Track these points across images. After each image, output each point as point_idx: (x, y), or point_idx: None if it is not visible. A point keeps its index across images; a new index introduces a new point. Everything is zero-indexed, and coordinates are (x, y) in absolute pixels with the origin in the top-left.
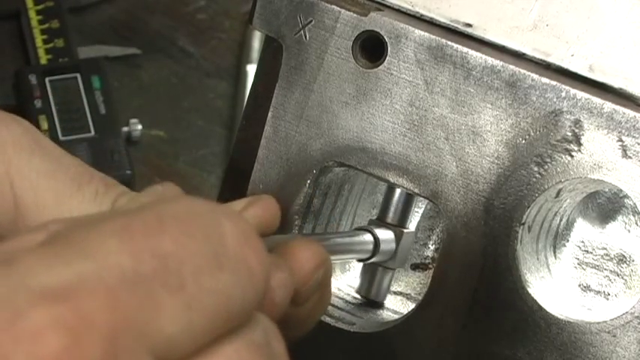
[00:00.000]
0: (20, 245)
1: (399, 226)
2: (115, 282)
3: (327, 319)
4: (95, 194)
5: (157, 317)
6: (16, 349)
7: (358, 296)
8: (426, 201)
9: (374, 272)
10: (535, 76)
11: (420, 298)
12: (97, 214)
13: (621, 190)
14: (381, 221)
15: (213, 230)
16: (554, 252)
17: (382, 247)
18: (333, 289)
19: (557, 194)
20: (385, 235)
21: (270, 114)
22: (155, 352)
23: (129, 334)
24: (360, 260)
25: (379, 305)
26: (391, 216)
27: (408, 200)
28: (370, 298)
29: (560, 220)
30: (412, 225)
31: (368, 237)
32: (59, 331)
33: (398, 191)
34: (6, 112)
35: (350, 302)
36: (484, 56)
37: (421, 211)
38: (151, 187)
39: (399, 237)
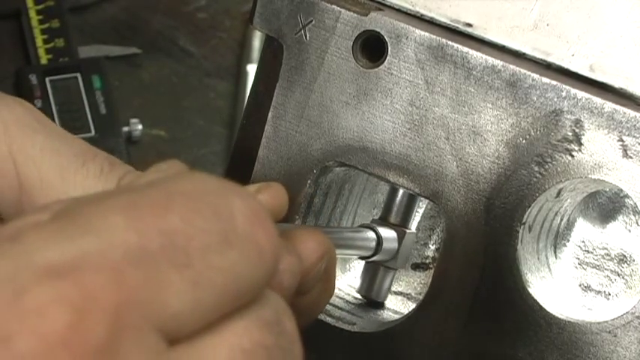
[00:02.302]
0: (27, 221)
1: (401, 226)
2: (120, 258)
3: (328, 319)
4: (100, 171)
5: (163, 294)
6: (19, 325)
7: (359, 296)
8: (427, 201)
9: (375, 272)
10: (536, 76)
11: (421, 298)
12: (103, 191)
13: (622, 190)
14: (383, 221)
15: (222, 208)
16: (555, 252)
17: (385, 245)
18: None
19: (558, 194)
20: (388, 233)
21: (270, 114)
22: (161, 328)
23: (134, 311)
24: (362, 258)
25: (380, 305)
26: (394, 216)
27: (411, 201)
28: (371, 298)
29: (561, 219)
30: (413, 224)
31: (371, 234)
32: (63, 307)
33: (401, 191)
34: (7, 94)
35: (350, 302)
36: (484, 56)
37: (422, 210)
38: (156, 165)
39: (401, 237)
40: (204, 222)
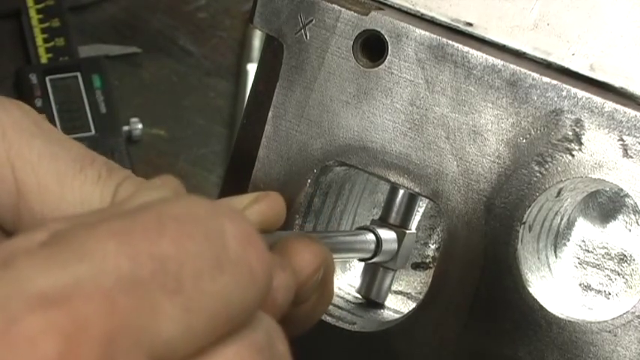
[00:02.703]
0: (19, 245)
1: (401, 226)
2: (111, 285)
3: (328, 319)
4: (98, 177)
5: (155, 321)
6: (10, 354)
7: (359, 296)
8: (427, 200)
9: (375, 272)
10: (536, 76)
11: (421, 297)
12: (98, 212)
13: (622, 190)
14: (383, 221)
15: (213, 231)
16: (555, 251)
17: (384, 247)
18: (334, 288)
19: (558, 193)
20: (387, 235)
21: (270, 113)
22: (153, 354)
23: (126, 338)
24: (361, 260)
25: (380, 305)
26: (393, 216)
27: (411, 201)
28: (370, 299)
29: (561, 219)
30: (413, 225)
31: (370, 236)
32: (54, 336)
33: (401, 192)
34: (5, 97)
35: (350, 302)
36: (485, 55)
37: (422, 210)
38: (150, 180)
39: (400, 238)
40: (196, 246)
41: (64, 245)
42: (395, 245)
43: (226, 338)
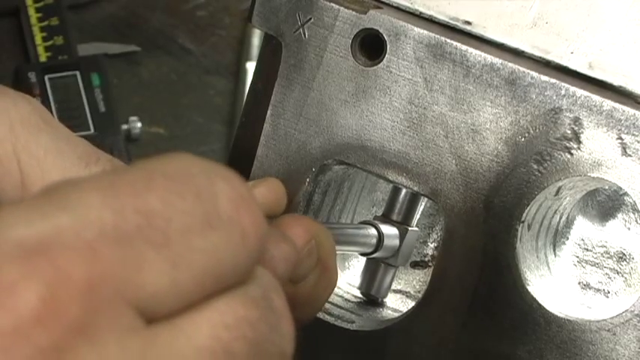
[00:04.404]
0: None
1: (403, 223)
2: (94, 236)
3: (327, 318)
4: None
5: (139, 273)
6: None
7: (358, 294)
8: (426, 199)
9: (376, 269)
10: (534, 74)
11: (420, 296)
12: (92, 174)
13: (621, 188)
14: (386, 218)
15: (205, 190)
16: (554, 250)
17: (386, 242)
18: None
19: (557, 192)
20: (389, 230)
21: (269, 112)
22: (139, 307)
23: (108, 288)
24: (362, 254)
25: (379, 303)
26: (396, 213)
27: (414, 199)
28: (371, 295)
29: (560, 217)
30: (414, 223)
31: (372, 231)
32: (35, 284)
33: (404, 189)
34: (14, 90)
35: (349, 300)
36: (483, 54)
37: (421, 208)
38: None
39: (403, 234)
40: (185, 203)
41: (47, 197)
42: (397, 241)
43: (219, 294)
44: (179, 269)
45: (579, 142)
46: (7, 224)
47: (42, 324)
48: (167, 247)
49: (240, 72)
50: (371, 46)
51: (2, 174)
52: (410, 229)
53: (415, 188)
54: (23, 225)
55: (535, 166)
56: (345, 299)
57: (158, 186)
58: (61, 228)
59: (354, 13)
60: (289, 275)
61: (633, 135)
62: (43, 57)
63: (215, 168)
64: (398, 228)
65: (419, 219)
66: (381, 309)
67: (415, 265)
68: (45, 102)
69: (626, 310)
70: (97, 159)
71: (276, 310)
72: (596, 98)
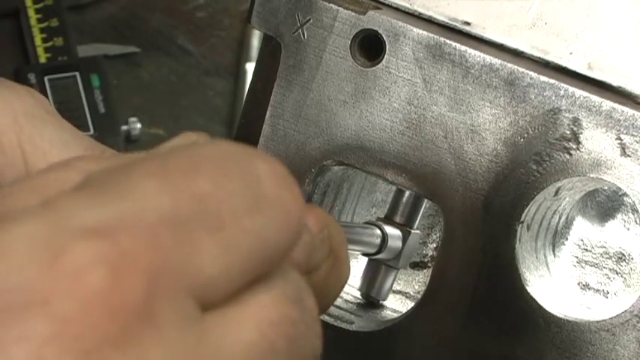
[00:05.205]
0: (53, 185)
1: (406, 225)
2: (155, 222)
3: (326, 318)
4: None
5: (197, 258)
6: (56, 287)
7: (357, 295)
8: (425, 199)
9: (377, 271)
10: (534, 74)
11: (419, 296)
12: (128, 156)
13: (620, 189)
14: (388, 220)
15: (248, 171)
16: (554, 250)
17: (389, 243)
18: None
19: (556, 192)
20: (393, 232)
21: (268, 113)
22: (194, 293)
23: (170, 274)
24: (365, 254)
25: (378, 304)
26: (399, 215)
27: (417, 201)
28: (371, 297)
29: (559, 218)
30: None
31: (377, 231)
32: (101, 268)
33: (407, 191)
34: (19, 84)
35: (349, 301)
36: (482, 54)
37: (420, 209)
38: (184, 133)
39: (405, 236)
40: (233, 185)
41: (103, 185)
42: (399, 243)
43: (259, 285)
44: (230, 253)
45: (578, 143)
46: (69, 211)
47: (107, 308)
48: (221, 230)
49: (239, 73)
50: (370, 47)
51: (6, 164)
52: (412, 231)
53: (414, 189)
54: (86, 212)
55: (534, 167)
56: (345, 300)
57: (206, 169)
58: (123, 214)
59: (353, 13)
60: (304, 264)
61: (632, 135)
62: (42, 58)
63: (251, 149)
64: (401, 230)
65: (418, 220)
66: (380, 310)
67: (415, 265)
68: None
69: (626, 311)
70: (101, 152)
71: (311, 312)
72: (595, 99)
